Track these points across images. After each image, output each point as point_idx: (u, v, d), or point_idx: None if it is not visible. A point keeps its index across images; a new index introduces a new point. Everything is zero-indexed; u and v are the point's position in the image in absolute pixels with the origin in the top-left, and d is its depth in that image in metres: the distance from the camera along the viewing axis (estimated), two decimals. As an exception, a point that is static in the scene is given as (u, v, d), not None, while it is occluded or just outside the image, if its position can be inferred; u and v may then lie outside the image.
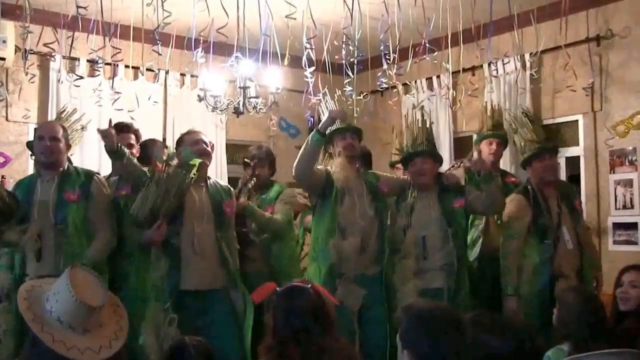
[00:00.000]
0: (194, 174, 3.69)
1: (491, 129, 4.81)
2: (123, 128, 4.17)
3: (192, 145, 3.87)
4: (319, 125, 3.86)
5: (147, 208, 3.60)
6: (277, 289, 2.59)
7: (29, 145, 4.15)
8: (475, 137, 5.04)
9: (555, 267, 4.04)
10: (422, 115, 4.23)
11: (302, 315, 2.48)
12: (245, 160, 4.50)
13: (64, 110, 4.31)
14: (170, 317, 3.43)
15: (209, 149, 3.94)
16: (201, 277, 3.73)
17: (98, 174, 3.98)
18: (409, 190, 4.15)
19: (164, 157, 3.74)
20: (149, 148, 4.40)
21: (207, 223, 3.79)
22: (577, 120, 5.33)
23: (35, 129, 3.86)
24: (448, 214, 4.07)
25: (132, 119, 4.98)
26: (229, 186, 4.12)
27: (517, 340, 2.30)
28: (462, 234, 4.18)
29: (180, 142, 3.99)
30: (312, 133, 3.86)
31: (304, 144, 3.86)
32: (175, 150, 3.94)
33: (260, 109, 4.68)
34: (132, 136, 4.20)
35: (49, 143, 3.69)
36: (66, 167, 3.78)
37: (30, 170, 4.46)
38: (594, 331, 2.85)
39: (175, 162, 3.75)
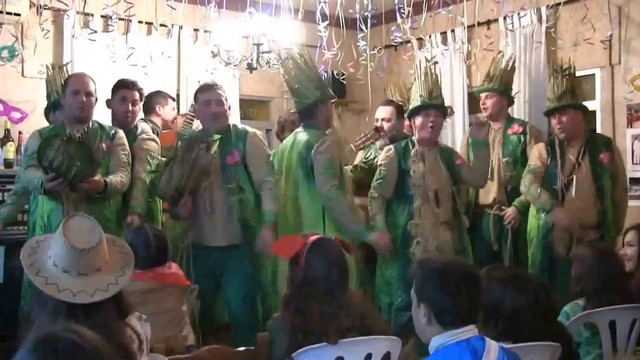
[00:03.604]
0: (215, 151, 3.73)
1: (482, 83, 4.92)
2: (128, 85, 4.17)
3: (203, 108, 3.87)
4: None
5: (172, 187, 3.67)
6: (306, 242, 2.63)
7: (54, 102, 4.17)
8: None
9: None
10: (436, 70, 4.25)
11: (333, 267, 2.56)
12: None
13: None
14: (191, 289, 3.38)
15: (222, 108, 3.86)
16: (215, 234, 3.77)
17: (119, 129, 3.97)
18: (410, 146, 4.13)
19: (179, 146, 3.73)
20: (151, 99, 4.54)
21: (214, 176, 3.78)
22: (594, 74, 5.27)
23: (65, 80, 3.87)
24: (453, 171, 4.14)
25: (146, 74, 4.97)
26: (237, 128, 3.97)
27: (532, 294, 2.33)
28: (460, 192, 4.37)
29: (195, 98, 4.00)
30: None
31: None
32: (191, 107, 3.93)
33: (273, 64, 4.65)
34: (137, 93, 4.19)
35: (85, 99, 3.72)
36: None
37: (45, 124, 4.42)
38: (607, 285, 2.88)
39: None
